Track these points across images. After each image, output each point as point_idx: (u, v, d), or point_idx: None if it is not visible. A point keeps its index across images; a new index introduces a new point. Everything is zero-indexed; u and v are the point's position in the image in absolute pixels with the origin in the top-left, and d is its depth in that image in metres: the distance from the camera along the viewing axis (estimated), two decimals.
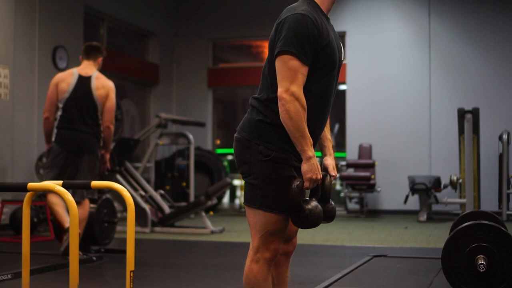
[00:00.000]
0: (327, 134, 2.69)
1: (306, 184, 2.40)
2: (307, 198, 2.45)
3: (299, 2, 2.50)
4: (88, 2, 9.60)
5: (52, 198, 5.17)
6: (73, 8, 9.23)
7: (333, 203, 2.58)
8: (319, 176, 2.42)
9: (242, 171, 2.49)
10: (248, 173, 2.45)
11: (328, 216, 2.53)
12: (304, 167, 2.39)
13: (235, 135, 2.52)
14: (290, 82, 2.35)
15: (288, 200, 2.39)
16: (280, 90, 2.36)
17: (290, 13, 2.40)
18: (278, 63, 2.38)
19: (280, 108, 2.36)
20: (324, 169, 2.60)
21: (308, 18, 2.37)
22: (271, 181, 2.41)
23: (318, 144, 2.67)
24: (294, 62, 2.35)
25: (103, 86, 5.50)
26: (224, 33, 11.89)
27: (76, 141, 5.36)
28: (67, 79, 5.42)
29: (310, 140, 2.39)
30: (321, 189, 2.51)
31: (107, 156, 5.57)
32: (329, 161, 2.63)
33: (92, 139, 5.41)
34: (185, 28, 12.04)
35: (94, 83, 5.46)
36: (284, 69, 2.36)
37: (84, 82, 5.44)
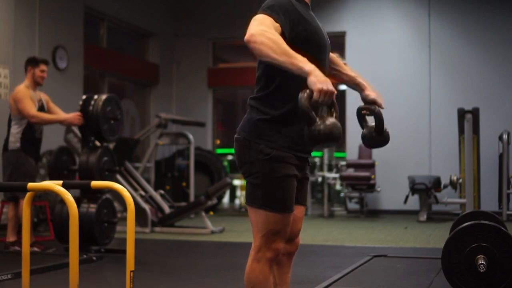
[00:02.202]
0: (349, 70, 2.66)
1: (316, 95, 2.16)
2: (324, 115, 2.24)
3: None
4: (88, 2, 9.60)
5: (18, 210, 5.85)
6: (73, 8, 9.22)
7: (387, 130, 2.59)
8: (330, 86, 2.16)
9: (243, 171, 2.48)
10: (249, 173, 2.44)
11: (383, 140, 2.58)
12: (310, 79, 2.16)
13: (235, 136, 2.51)
14: (256, 25, 2.26)
15: (289, 198, 2.38)
16: (246, 36, 2.26)
17: None
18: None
19: (254, 49, 2.22)
20: (372, 102, 2.59)
21: None
22: (272, 180, 2.39)
23: (347, 81, 2.66)
24: (263, 16, 2.30)
25: (11, 95, 6.13)
26: (224, 33, 11.89)
27: None
28: None
29: (301, 57, 2.20)
30: (376, 120, 2.53)
31: (62, 120, 6.07)
32: (372, 93, 2.61)
33: (5, 142, 6.00)
34: (185, 28, 12.04)
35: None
36: (252, 22, 2.29)
37: None
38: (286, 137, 2.40)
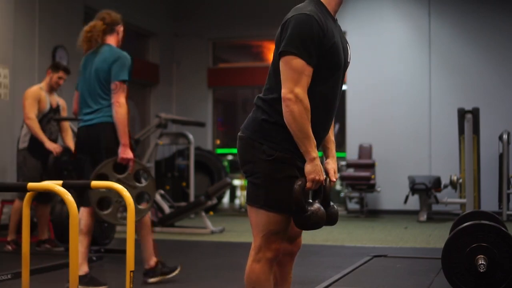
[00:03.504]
0: (331, 136, 2.67)
1: (309, 184, 2.40)
2: (310, 200, 2.44)
3: (306, 2, 2.49)
4: (88, 2, 9.60)
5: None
6: (73, 8, 9.22)
7: (335, 206, 2.57)
8: (322, 177, 2.42)
9: (245, 170, 2.48)
10: (251, 173, 2.44)
11: (331, 220, 2.51)
12: (308, 167, 2.40)
13: (238, 134, 2.51)
14: (294, 84, 2.34)
15: (290, 199, 2.38)
16: (284, 91, 2.35)
17: (296, 13, 2.39)
18: (281, 63, 2.37)
19: (284, 109, 2.36)
20: (325, 172, 2.59)
21: (313, 18, 2.36)
22: (274, 180, 2.40)
23: (321, 146, 2.66)
24: (298, 62, 2.34)
25: None
26: (224, 33, 11.89)
27: None
28: None
29: (313, 141, 2.39)
30: (324, 192, 2.49)
31: (46, 145, 5.96)
32: (331, 165, 2.61)
33: (17, 142, 6.16)
34: (185, 28, 12.04)
35: None
36: (288, 70, 2.35)
37: None
38: (290, 140, 2.40)
